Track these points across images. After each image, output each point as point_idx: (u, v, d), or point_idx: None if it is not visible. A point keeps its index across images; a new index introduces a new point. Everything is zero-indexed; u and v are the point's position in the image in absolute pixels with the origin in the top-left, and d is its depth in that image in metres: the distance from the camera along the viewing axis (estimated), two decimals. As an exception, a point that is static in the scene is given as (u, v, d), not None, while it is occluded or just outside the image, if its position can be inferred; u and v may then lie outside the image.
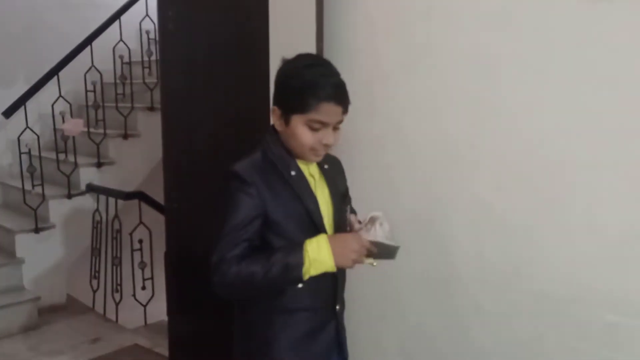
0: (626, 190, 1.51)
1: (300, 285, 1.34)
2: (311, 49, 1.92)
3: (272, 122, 1.43)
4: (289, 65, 1.39)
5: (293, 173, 1.40)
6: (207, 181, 2.56)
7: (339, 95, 1.35)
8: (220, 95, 2.43)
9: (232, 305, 2.48)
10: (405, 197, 1.94)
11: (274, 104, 1.40)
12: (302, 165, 1.43)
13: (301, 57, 1.40)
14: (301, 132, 1.35)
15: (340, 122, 1.39)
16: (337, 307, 1.50)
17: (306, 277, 1.30)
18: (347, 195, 1.58)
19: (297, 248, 1.30)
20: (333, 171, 1.53)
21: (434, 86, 1.85)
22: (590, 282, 1.59)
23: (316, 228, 1.40)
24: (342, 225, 1.48)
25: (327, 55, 1.98)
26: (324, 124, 1.34)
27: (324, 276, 1.38)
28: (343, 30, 2.03)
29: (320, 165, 1.48)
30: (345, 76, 2.00)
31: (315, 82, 1.32)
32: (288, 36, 2.03)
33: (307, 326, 1.45)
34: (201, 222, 2.61)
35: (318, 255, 1.30)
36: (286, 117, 1.36)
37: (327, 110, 1.33)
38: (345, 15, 2.02)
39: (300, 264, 1.29)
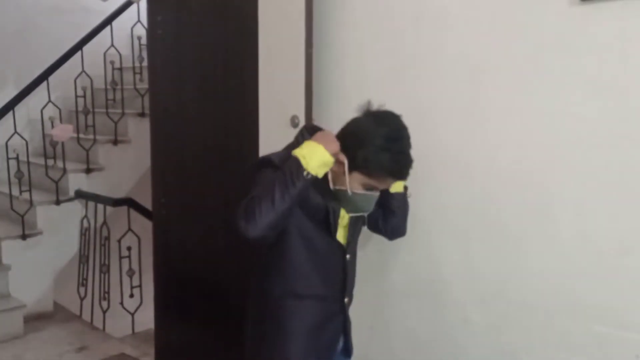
0: (616, 200, 1.50)
1: (306, 175, 1.34)
2: (300, 54, 1.91)
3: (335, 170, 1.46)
4: (372, 127, 1.43)
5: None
6: (196, 188, 2.53)
7: (404, 175, 1.46)
8: (210, 101, 2.41)
9: (220, 315, 2.46)
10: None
11: (343, 149, 1.42)
12: None
13: (385, 123, 1.44)
14: (355, 186, 1.44)
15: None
16: (346, 300, 1.58)
17: (311, 168, 1.34)
18: None
19: (290, 158, 1.37)
20: None
21: (423, 92, 1.84)
22: (578, 293, 1.58)
23: (328, 226, 1.48)
24: (357, 228, 1.61)
25: (316, 60, 1.97)
26: (377, 189, 1.46)
27: (334, 266, 1.53)
28: (332, 35, 2.02)
29: None
30: (334, 81, 2.00)
31: (391, 160, 1.40)
32: (277, 41, 2.01)
33: (316, 315, 1.53)
34: (190, 229, 2.59)
35: (306, 149, 1.36)
36: (349, 168, 1.43)
37: (387, 182, 1.47)
38: (334, 21, 2.01)
39: (299, 165, 1.34)
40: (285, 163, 1.36)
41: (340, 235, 1.54)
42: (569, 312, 1.59)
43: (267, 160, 1.44)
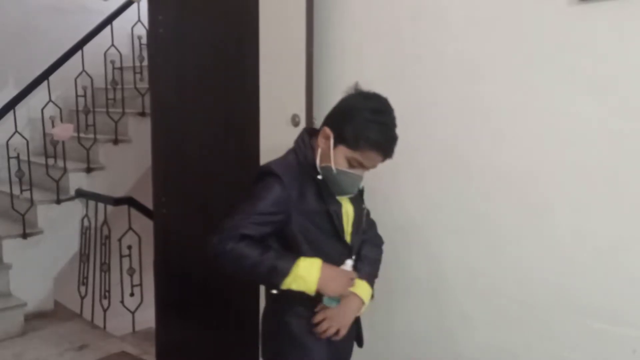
0: (613, 197, 1.51)
1: (274, 291, 1.44)
2: (301, 53, 1.92)
3: (318, 141, 1.50)
4: (359, 101, 1.46)
5: (319, 177, 1.49)
6: (196, 187, 2.54)
7: (388, 150, 1.45)
8: (210, 100, 2.42)
9: (221, 314, 2.47)
10: (393, 204, 1.93)
11: (329, 125, 1.47)
12: None
13: (372, 99, 1.47)
14: (340, 162, 1.45)
15: (375, 166, 1.49)
16: None
17: (284, 287, 1.39)
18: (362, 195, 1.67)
19: (290, 258, 1.40)
20: None
21: (422, 91, 1.85)
22: (575, 290, 1.59)
23: (336, 229, 1.49)
24: (360, 227, 1.59)
25: (316, 59, 1.98)
26: (362, 166, 1.46)
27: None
28: (332, 35, 2.03)
29: None
30: (334, 80, 2.01)
31: (375, 131, 1.41)
32: (278, 41, 2.02)
33: None
34: (191, 228, 2.60)
35: (306, 274, 1.39)
36: (334, 142, 1.45)
37: (372, 157, 1.44)
38: (335, 20, 2.02)
39: (285, 273, 1.38)
40: (282, 257, 1.40)
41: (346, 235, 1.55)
42: (566, 308, 1.60)
43: (268, 171, 1.46)
